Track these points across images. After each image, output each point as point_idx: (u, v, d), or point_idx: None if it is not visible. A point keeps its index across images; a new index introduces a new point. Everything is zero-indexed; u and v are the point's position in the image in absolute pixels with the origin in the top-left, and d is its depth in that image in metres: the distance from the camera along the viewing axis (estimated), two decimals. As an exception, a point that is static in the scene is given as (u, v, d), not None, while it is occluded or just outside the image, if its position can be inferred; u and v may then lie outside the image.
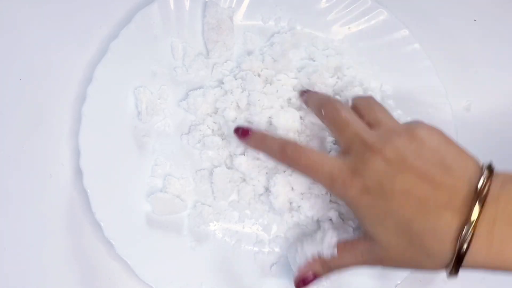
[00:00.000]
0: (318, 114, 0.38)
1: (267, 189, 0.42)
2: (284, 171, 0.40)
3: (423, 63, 0.46)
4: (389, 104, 0.45)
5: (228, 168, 0.42)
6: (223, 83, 0.44)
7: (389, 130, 0.33)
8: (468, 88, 0.49)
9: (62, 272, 0.42)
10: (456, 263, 0.28)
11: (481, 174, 0.28)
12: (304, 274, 0.35)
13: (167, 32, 0.46)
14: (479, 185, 0.28)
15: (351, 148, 0.33)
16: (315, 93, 0.41)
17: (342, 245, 0.35)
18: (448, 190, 0.29)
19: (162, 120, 0.45)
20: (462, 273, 0.44)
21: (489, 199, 0.28)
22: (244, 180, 0.43)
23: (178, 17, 0.46)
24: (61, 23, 0.48)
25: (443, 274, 0.44)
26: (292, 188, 0.41)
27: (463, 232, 0.27)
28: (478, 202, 0.27)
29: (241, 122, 0.42)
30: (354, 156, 0.32)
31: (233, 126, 0.40)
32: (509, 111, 0.49)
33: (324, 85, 0.43)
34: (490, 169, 0.29)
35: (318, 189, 0.41)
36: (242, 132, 0.37)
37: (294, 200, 0.41)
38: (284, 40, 0.46)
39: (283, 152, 0.35)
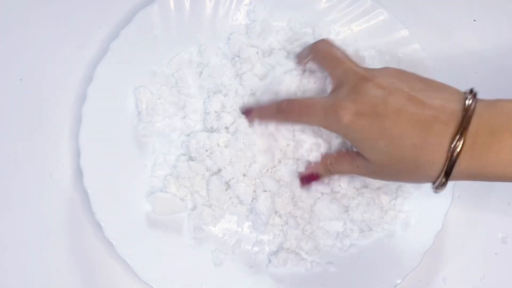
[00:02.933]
0: (314, 56, 0.40)
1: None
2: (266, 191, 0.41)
3: (422, 63, 0.46)
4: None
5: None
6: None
7: (378, 67, 0.36)
8: (468, 88, 0.49)
9: (62, 272, 0.42)
10: (446, 173, 0.31)
11: (466, 97, 0.31)
12: (308, 173, 0.40)
13: (167, 32, 0.46)
14: (467, 103, 0.30)
15: (343, 82, 0.35)
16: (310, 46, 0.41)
17: (343, 153, 0.39)
18: (437, 108, 0.31)
19: (162, 120, 0.45)
20: (461, 273, 0.44)
21: (474, 114, 0.30)
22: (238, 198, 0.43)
23: (178, 17, 0.46)
24: (61, 23, 0.48)
25: (442, 274, 0.45)
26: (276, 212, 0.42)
27: (455, 142, 0.30)
28: (466, 116, 0.30)
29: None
30: (346, 86, 0.34)
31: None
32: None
33: None
34: (474, 93, 0.31)
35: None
36: (246, 113, 0.42)
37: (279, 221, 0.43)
38: (284, 34, 0.46)
39: (280, 109, 0.38)
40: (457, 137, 0.29)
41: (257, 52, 0.45)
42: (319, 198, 0.42)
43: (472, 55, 0.50)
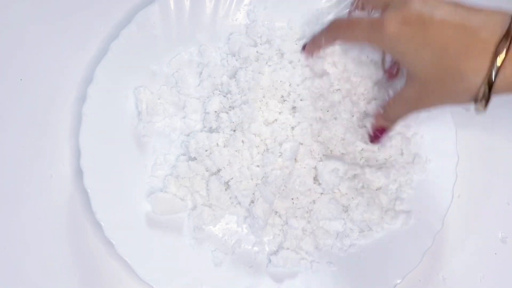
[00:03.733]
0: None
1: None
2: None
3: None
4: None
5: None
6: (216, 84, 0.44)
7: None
8: None
9: (62, 272, 0.42)
10: (489, 83, 0.30)
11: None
12: (375, 129, 0.42)
13: (167, 32, 0.46)
14: None
15: (388, 4, 0.34)
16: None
17: (392, 99, 0.39)
18: (483, 18, 0.31)
19: (162, 120, 0.45)
20: (460, 273, 0.44)
21: None
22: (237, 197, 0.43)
23: (178, 17, 0.46)
24: (62, 23, 0.48)
25: (442, 274, 0.45)
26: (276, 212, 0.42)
27: (500, 47, 0.29)
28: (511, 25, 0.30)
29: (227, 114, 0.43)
30: (392, 4, 0.34)
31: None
32: (509, 111, 0.49)
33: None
34: None
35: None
36: (304, 49, 0.43)
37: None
38: (285, 33, 0.46)
39: (330, 28, 0.39)
40: (502, 42, 0.29)
41: (257, 52, 0.45)
42: (318, 197, 0.42)
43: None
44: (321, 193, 0.42)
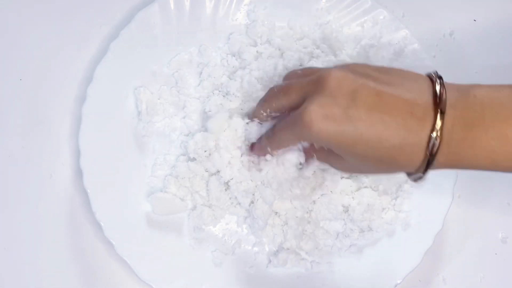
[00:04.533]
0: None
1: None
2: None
3: (422, 63, 0.46)
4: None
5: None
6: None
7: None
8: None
9: (62, 272, 0.42)
10: (425, 167, 0.30)
11: (434, 84, 0.30)
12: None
13: (167, 32, 0.46)
14: (438, 91, 0.30)
15: (306, 92, 0.32)
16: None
17: (318, 157, 0.36)
18: (410, 103, 0.30)
19: (162, 120, 0.45)
20: (461, 273, 0.44)
21: (447, 106, 0.29)
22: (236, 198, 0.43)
23: (178, 17, 0.46)
24: (61, 23, 0.48)
25: (442, 274, 0.45)
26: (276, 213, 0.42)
27: (432, 140, 0.29)
28: (440, 111, 0.29)
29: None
30: (310, 93, 0.31)
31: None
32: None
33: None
34: (440, 77, 0.31)
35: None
36: (251, 149, 0.41)
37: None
38: (285, 33, 0.46)
39: (266, 138, 0.38)
40: (435, 135, 0.29)
41: (257, 52, 0.45)
42: (318, 198, 0.42)
43: (472, 55, 0.50)
44: (321, 194, 0.42)
